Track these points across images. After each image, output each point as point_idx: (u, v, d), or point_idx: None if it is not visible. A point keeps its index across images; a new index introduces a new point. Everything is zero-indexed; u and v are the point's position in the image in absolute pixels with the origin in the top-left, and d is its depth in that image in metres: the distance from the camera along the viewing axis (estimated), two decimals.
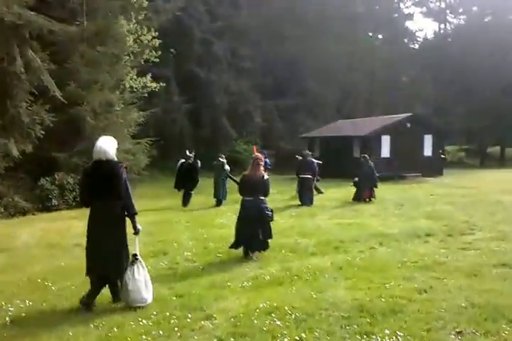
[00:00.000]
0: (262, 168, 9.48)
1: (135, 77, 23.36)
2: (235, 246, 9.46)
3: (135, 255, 6.45)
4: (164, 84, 24.65)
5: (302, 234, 11.71)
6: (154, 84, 23.89)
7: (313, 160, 19.12)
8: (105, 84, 20.67)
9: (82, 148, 18.59)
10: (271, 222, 9.56)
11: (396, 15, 58.03)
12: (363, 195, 18.46)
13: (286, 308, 6.09)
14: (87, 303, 6.33)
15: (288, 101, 42.70)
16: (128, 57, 22.54)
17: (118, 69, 21.49)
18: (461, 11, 56.88)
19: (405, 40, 58.74)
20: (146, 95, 33.83)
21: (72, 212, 17.68)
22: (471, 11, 55.94)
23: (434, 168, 30.63)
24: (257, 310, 6.09)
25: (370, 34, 56.79)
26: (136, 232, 6.49)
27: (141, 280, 6.34)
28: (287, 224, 13.23)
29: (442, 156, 32.24)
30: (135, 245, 6.51)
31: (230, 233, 10.10)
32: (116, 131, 19.67)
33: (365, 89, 51.06)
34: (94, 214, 6.38)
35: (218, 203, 18.54)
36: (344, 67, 48.64)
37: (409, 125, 30.12)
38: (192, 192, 18.86)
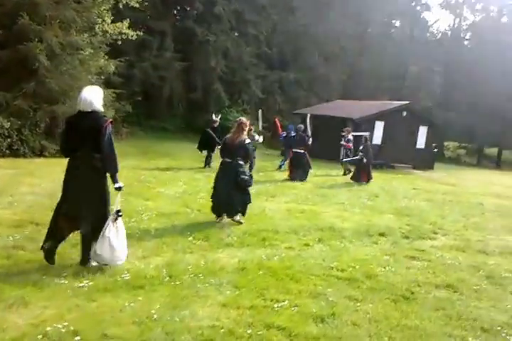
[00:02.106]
0: (245, 133, 9.29)
1: (109, 21, 21.41)
2: (214, 212, 9.48)
3: (118, 211, 6.12)
4: (141, 33, 22.77)
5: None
6: (131, 32, 22.03)
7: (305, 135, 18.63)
8: (70, 22, 18.70)
9: (31, 92, 16.97)
10: (249, 188, 9.44)
11: (413, 3, 55.89)
12: (369, 176, 18.98)
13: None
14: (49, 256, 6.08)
15: (291, 74, 41.05)
16: None
17: (88, 9, 19.53)
18: (478, 8, 54.94)
19: (419, 30, 56.65)
20: (136, 48, 32.57)
21: (3, 160, 16.19)
22: (488, 10, 54.23)
23: (425, 161, 29.27)
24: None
25: (386, 19, 54.80)
26: (117, 189, 6.11)
27: (124, 239, 6.21)
28: None
29: (434, 150, 30.66)
30: (116, 202, 6.14)
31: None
32: (76, 78, 18.09)
33: (373, 73, 49.35)
34: (73, 166, 6.07)
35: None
36: (354, 48, 47.01)
37: (405, 114, 28.63)
38: (212, 154, 18.87)
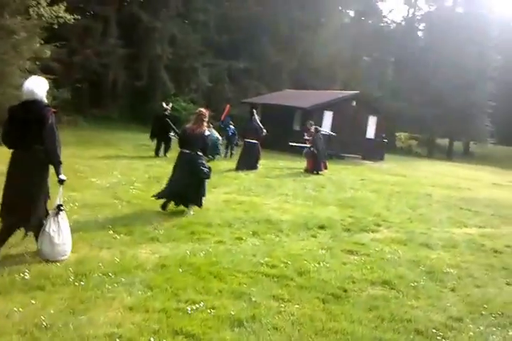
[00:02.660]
0: (205, 124, 9.20)
1: (44, 4, 20.20)
2: (158, 195, 9.19)
3: (60, 205, 5.98)
4: (79, 17, 21.64)
5: (169, 207, 9.63)
6: (68, 16, 20.91)
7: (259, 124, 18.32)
8: (3, 5, 17.69)
9: None
10: (206, 180, 9.36)
11: None
12: (320, 166, 18.91)
13: None
14: None
15: (241, 63, 39.99)
16: None
17: None
18: None
19: (374, 20, 56.37)
20: (79, 33, 31.32)
21: None
22: (442, 0, 54.25)
23: (375, 151, 29.02)
24: None
25: (340, 8, 54.44)
26: (60, 182, 5.91)
27: (67, 234, 6.03)
28: None
29: (384, 140, 30.40)
30: (59, 195, 5.99)
31: None
32: (8, 63, 17.10)
33: (326, 63, 48.77)
34: (15, 157, 5.86)
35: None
36: (307, 38, 46.35)
37: (354, 103, 28.28)
38: (170, 141, 18.78)
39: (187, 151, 9.16)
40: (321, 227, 9.08)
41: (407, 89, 49.38)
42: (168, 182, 9.44)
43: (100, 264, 5.90)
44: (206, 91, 38.16)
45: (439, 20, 50.91)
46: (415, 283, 6.36)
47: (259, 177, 15.87)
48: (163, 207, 9.10)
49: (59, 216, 5.98)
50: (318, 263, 6.79)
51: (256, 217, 9.33)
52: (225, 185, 13.36)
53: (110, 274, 5.61)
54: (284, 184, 15.03)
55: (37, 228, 5.94)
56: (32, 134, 5.74)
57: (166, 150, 18.86)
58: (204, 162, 9.28)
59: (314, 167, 18.90)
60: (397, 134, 53.06)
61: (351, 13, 57.69)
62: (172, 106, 20.57)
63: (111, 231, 7.35)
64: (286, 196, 12.60)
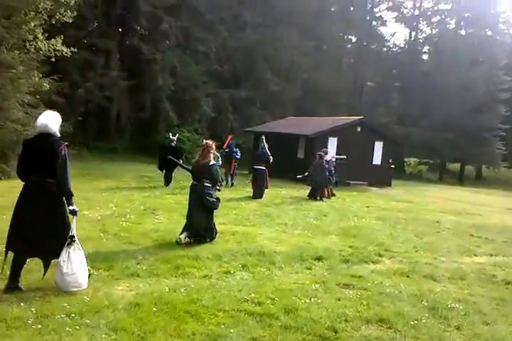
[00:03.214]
0: (211, 155, 9.30)
1: (41, 37, 19.96)
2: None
3: (72, 236, 5.94)
4: (75, 50, 21.38)
5: (159, 239, 9.08)
6: (65, 49, 20.67)
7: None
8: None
9: None
10: (214, 211, 9.37)
11: (368, 17, 55.44)
12: (318, 193, 18.67)
13: None
14: (16, 286, 5.78)
15: (243, 92, 39.82)
16: (34, 14, 19.26)
17: (18, 25, 18.17)
18: (434, 20, 54.80)
19: (375, 44, 56.33)
20: (80, 67, 31.27)
21: None
22: (444, 22, 54.12)
23: (382, 177, 28.31)
24: None
25: (341, 34, 54.44)
26: (72, 213, 5.98)
27: (77, 264, 5.89)
28: (153, 226, 10.59)
29: (391, 166, 29.76)
30: (72, 227, 5.97)
31: None
32: (5, 98, 16.78)
33: (329, 89, 48.53)
34: (28, 189, 5.91)
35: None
36: (308, 64, 46.21)
37: (359, 129, 27.74)
38: (173, 174, 18.94)
39: (195, 183, 9.30)
40: (318, 259, 8.47)
41: (415, 114, 48.94)
42: (186, 214, 9.48)
43: (66, 304, 5.36)
44: (210, 121, 37.85)
45: (442, 43, 50.57)
46: (416, 321, 5.71)
47: (259, 207, 15.33)
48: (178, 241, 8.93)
49: (71, 246, 5.91)
50: (309, 299, 6.19)
51: (248, 249, 8.75)
52: (223, 215, 12.72)
53: (74, 315, 5.08)
54: (285, 213, 14.47)
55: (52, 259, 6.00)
56: (45, 167, 5.82)
57: (168, 182, 18.88)
58: (211, 192, 9.27)
59: (317, 194, 18.78)
60: (406, 160, 52.40)
61: (353, 39, 57.52)
62: (178, 137, 20.72)
63: (88, 267, 6.78)
64: (284, 225, 12.06)
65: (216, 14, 38.90)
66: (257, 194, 17.54)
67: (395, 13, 56.92)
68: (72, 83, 30.09)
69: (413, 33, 55.79)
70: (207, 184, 9.20)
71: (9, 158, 18.02)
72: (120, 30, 34.79)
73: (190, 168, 9.90)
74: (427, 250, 10.31)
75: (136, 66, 35.12)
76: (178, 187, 18.55)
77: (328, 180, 19.39)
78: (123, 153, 32.89)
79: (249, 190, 18.55)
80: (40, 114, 17.47)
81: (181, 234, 8.98)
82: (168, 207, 13.63)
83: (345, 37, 56.60)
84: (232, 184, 21.02)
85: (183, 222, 10.81)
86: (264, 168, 18.01)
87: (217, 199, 9.41)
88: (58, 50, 20.72)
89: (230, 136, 23.06)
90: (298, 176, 20.01)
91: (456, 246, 11.19)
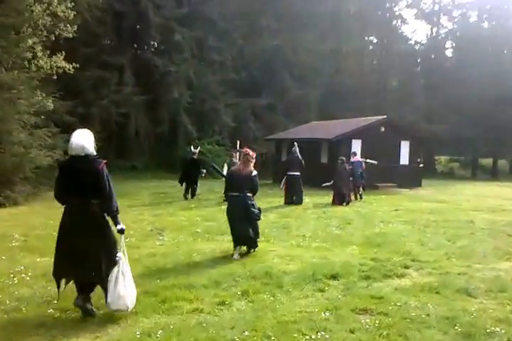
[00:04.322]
0: (251, 165, 8.96)
1: (40, 54, 19.29)
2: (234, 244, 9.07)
3: (119, 256, 5.77)
4: (77, 65, 20.68)
5: (151, 266, 8.07)
6: (67, 65, 20.00)
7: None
8: None
9: None
10: (258, 221, 9.12)
11: (388, 16, 54.23)
12: (343, 199, 18.16)
13: None
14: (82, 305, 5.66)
15: (264, 100, 39.04)
16: (31, 30, 18.60)
17: (15, 44, 17.48)
18: (455, 15, 53.27)
19: (396, 43, 54.86)
20: (93, 85, 30.71)
21: None
22: (466, 15, 52.58)
23: (411, 178, 26.98)
24: None
25: (361, 35, 53.26)
26: (120, 231, 5.81)
27: (125, 284, 5.69)
28: (152, 250, 9.60)
29: (420, 165, 28.43)
30: (121, 245, 5.84)
31: None
32: (4, 120, 16.06)
33: (353, 91, 47.52)
34: (71, 212, 5.71)
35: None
36: (329, 67, 45.23)
37: (383, 129, 26.51)
38: (196, 186, 19.37)
39: (235, 194, 8.93)
40: (333, 277, 7.39)
41: (442, 110, 47.35)
42: (230, 229, 9.20)
43: None
44: (231, 132, 36.98)
45: (465, 37, 49.08)
46: None
47: (278, 218, 14.31)
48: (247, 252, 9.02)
49: (119, 267, 5.75)
50: (316, 333, 5.12)
51: (253, 271, 7.69)
52: None
53: None
54: (305, 223, 13.43)
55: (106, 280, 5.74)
56: (87, 188, 5.64)
57: (193, 194, 19.18)
58: (254, 203, 9.06)
59: (340, 200, 18.16)
60: (436, 158, 50.87)
61: (373, 39, 56.38)
62: (200, 150, 20.64)
63: (50, 310, 5.82)
64: (302, 238, 11.00)
65: (230, 22, 38.28)
66: (298, 200, 17.83)
67: (415, 10, 55.44)
68: (85, 102, 29.67)
69: (434, 29, 54.27)
70: (249, 194, 8.93)
71: (14, 183, 17.27)
72: (132, 44, 34.08)
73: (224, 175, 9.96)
74: (460, 256, 9.14)
75: (151, 80, 34.54)
76: (195, 203, 17.89)
77: (357, 183, 19.47)
78: (143, 170, 32.21)
79: (269, 200, 17.69)
80: (49, 134, 16.80)
81: (234, 253, 8.82)
82: (178, 225, 12.67)
83: (366, 38, 55.39)
84: None
85: (190, 241, 9.97)
86: (299, 174, 18.00)
87: (259, 209, 9.15)
88: (60, 67, 20.06)
89: (238, 143, 22.68)
90: (324, 184, 19.51)
91: (492, 249, 9.99)
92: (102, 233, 5.77)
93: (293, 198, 17.86)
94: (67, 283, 5.85)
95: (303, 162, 18.32)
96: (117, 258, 5.76)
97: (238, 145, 21.83)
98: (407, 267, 8.19)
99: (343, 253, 9.32)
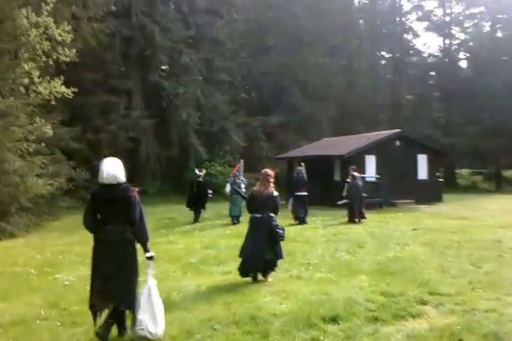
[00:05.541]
0: (271, 185, 8.83)
1: (38, 80, 18.42)
2: (243, 271, 8.63)
3: (149, 282, 5.77)
4: (76, 90, 19.80)
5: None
6: (66, 90, 19.13)
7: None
8: None
9: None
10: (281, 241, 8.83)
11: (398, 28, 53.19)
12: (355, 215, 17.92)
13: None
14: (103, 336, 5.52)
15: (275, 118, 38.12)
16: (27, 55, 17.74)
17: (9, 69, 16.66)
18: (467, 25, 51.78)
19: (409, 56, 53.84)
20: (101, 110, 29.95)
21: None
22: (478, 25, 51.12)
23: (431, 193, 25.63)
24: None
25: (372, 49, 52.29)
26: (150, 258, 5.80)
27: (153, 311, 5.63)
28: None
29: (439, 179, 27.07)
30: (149, 272, 5.76)
31: None
32: None
33: (366, 106, 46.36)
34: (104, 240, 5.68)
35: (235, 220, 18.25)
36: (341, 84, 44.24)
37: (398, 143, 25.24)
38: (203, 209, 19.21)
39: (258, 216, 8.72)
40: (333, 320, 6.12)
41: (460, 122, 46.07)
42: (242, 252, 8.85)
43: None
44: (242, 152, 35.92)
45: (479, 47, 47.81)
46: None
47: (285, 242, 12.77)
48: (254, 278, 8.57)
49: (147, 293, 5.75)
50: None
51: (238, 314, 6.45)
52: (234, 259, 10.58)
53: None
54: (313, 248, 12.24)
55: (129, 307, 5.74)
56: (119, 216, 5.66)
57: (196, 219, 18.89)
58: (278, 223, 8.78)
59: (354, 216, 17.97)
60: (457, 171, 49.27)
61: (384, 53, 55.42)
62: (206, 172, 20.72)
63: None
64: (306, 266, 9.77)
65: (237, 42, 37.79)
66: (303, 219, 17.74)
67: (426, 23, 54.23)
68: (93, 127, 28.99)
69: (447, 41, 52.91)
70: (272, 214, 8.70)
71: (10, 214, 16.31)
72: (139, 68, 33.35)
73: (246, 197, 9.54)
74: (487, 286, 7.82)
75: (159, 103, 34.04)
76: (199, 228, 16.96)
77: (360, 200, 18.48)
78: (154, 195, 31.16)
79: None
80: (47, 162, 15.71)
81: (253, 278, 8.55)
82: (173, 255, 11.50)
83: (377, 52, 54.39)
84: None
85: (177, 276, 9.07)
86: (306, 194, 17.94)
87: (283, 229, 8.86)
88: (58, 92, 19.18)
89: (238, 165, 21.62)
90: (339, 202, 19.21)
91: None
92: (133, 259, 5.80)
93: (301, 218, 17.73)
94: (101, 311, 5.76)
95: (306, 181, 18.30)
96: (150, 284, 5.78)
97: (242, 164, 20.99)
98: (423, 303, 6.89)
99: (349, 285, 8.03)
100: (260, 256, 8.52)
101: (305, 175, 18.34)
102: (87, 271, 9.54)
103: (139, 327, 5.56)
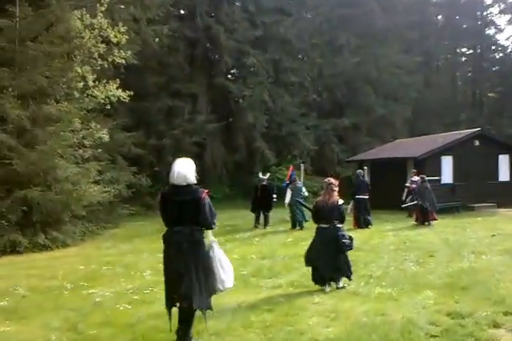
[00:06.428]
0: (336, 194, 8.72)
1: (92, 83, 18.08)
2: (317, 278, 8.42)
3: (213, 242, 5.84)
4: (131, 93, 19.36)
5: (139, 338, 6.02)
6: (122, 94, 18.73)
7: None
8: (41, 92, 15.63)
9: None
10: (349, 251, 8.64)
11: (480, 23, 50.61)
12: (427, 218, 17.44)
13: None
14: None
15: (347, 120, 36.77)
16: (79, 57, 17.42)
17: (61, 73, 16.26)
18: None
19: (491, 52, 51.18)
20: (165, 115, 29.68)
21: None
22: None
23: None
24: None
25: (451, 45, 50.15)
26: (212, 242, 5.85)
27: (226, 264, 5.90)
28: (162, 308, 7.54)
29: None
30: (209, 236, 5.79)
31: None
32: (48, 155, 14.80)
33: (445, 106, 44.44)
34: (174, 241, 5.68)
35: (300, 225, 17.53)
36: (418, 82, 42.49)
37: (477, 143, 23.68)
38: (269, 214, 18.63)
39: (325, 226, 8.58)
40: None
41: None
42: (310, 261, 8.63)
43: None
44: (312, 156, 34.88)
45: None
46: None
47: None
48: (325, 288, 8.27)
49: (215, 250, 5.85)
50: None
51: (275, 340, 5.49)
52: (288, 271, 9.71)
53: None
54: (378, 258, 11.18)
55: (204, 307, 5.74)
56: (189, 217, 5.65)
57: (266, 223, 18.38)
58: (344, 233, 8.61)
59: (423, 219, 17.51)
60: None
61: (465, 49, 52.96)
62: (270, 176, 20.27)
63: None
64: (366, 279, 8.82)
65: (307, 41, 36.64)
66: (365, 223, 17.31)
67: (509, 16, 51.49)
68: (157, 132, 28.65)
69: None
70: (338, 225, 8.53)
71: (62, 223, 15.82)
72: (204, 71, 32.93)
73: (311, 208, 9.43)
74: None
75: (225, 106, 33.34)
76: (259, 235, 16.19)
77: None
78: (221, 200, 30.55)
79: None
80: (101, 168, 15.33)
81: (325, 286, 8.26)
82: None
83: (457, 48, 52.12)
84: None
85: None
86: (367, 197, 17.65)
87: (350, 238, 8.62)
88: (114, 95, 18.86)
89: (291, 167, 21.26)
90: (406, 205, 19.00)
91: None
92: (205, 260, 5.73)
93: (364, 222, 17.32)
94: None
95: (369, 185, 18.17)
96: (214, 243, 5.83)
97: (303, 169, 20.69)
98: (496, 326, 5.82)
99: (411, 303, 6.99)
100: (334, 265, 8.37)
101: (366, 178, 18.30)
102: (127, 285, 9.01)
103: (218, 280, 5.79)
